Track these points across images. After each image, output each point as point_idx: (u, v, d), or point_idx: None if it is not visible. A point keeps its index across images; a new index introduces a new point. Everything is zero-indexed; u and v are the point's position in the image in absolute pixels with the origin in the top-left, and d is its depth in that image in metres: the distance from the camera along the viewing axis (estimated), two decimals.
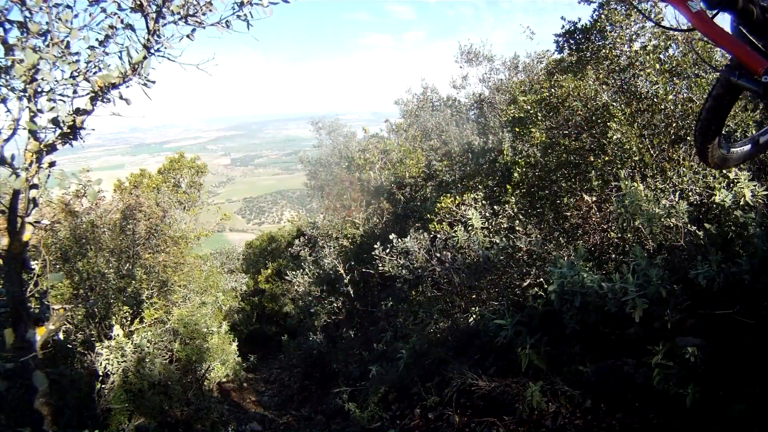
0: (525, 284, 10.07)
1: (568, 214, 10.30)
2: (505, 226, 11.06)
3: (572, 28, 11.31)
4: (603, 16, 10.29)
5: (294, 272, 23.58)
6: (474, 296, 10.93)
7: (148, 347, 13.18)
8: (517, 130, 11.78)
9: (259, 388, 21.02)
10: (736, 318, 6.31)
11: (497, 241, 10.49)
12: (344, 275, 20.52)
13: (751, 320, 6.16)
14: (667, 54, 9.72)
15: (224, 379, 19.19)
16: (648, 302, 6.29)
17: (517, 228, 10.67)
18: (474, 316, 10.20)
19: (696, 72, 9.29)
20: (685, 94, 9.08)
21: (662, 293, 6.32)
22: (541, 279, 9.56)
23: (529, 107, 10.87)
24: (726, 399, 5.75)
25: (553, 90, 10.37)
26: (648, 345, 6.41)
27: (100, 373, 12.28)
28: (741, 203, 7.33)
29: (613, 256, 9.19)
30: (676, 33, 9.82)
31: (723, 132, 7.73)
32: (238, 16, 5.93)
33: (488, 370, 8.77)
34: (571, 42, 11.50)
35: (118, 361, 12.57)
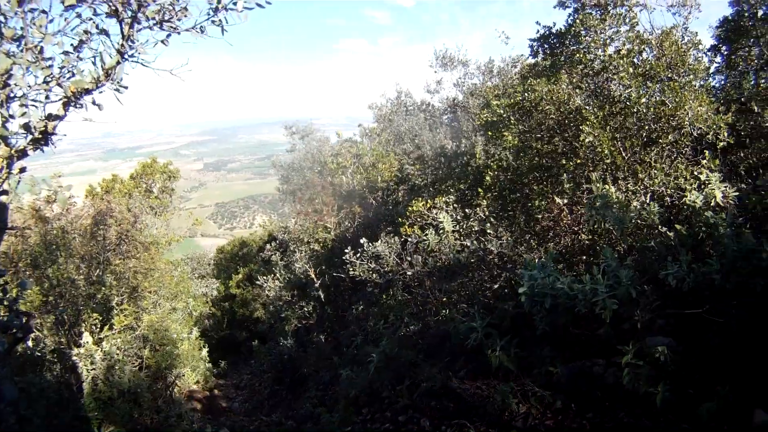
0: (496, 287, 10.09)
1: (540, 216, 10.37)
2: (476, 229, 10.99)
3: (547, 32, 11.37)
4: (578, 21, 10.34)
5: (265, 277, 23.46)
6: (445, 299, 10.91)
7: (117, 354, 13.03)
8: (489, 134, 11.77)
9: (230, 394, 20.81)
10: (706, 317, 6.38)
11: (468, 244, 10.50)
12: (315, 279, 20.44)
13: (720, 319, 6.23)
14: (640, 58, 9.76)
15: (195, 386, 19.05)
16: (618, 303, 6.25)
17: (488, 231, 10.64)
18: (444, 319, 10.16)
19: (669, 75, 9.34)
20: (657, 98, 9.10)
21: (632, 294, 6.30)
22: (512, 281, 9.54)
23: (502, 111, 10.85)
24: (696, 397, 5.82)
25: (526, 94, 10.34)
26: (618, 345, 6.45)
27: (73, 381, 12.15)
28: (712, 204, 7.37)
29: (584, 257, 9.24)
30: (650, 37, 9.90)
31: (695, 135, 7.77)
32: (213, 22, 5.84)
33: (459, 373, 8.87)
34: (546, 46, 11.56)
35: (87, 369, 12.40)
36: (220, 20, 5.83)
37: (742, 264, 6.13)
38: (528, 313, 7.39)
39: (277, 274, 23.19)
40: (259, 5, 5.88)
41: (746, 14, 10.98)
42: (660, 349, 6.19)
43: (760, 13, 10.69)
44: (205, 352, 20.61)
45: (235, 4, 5.75)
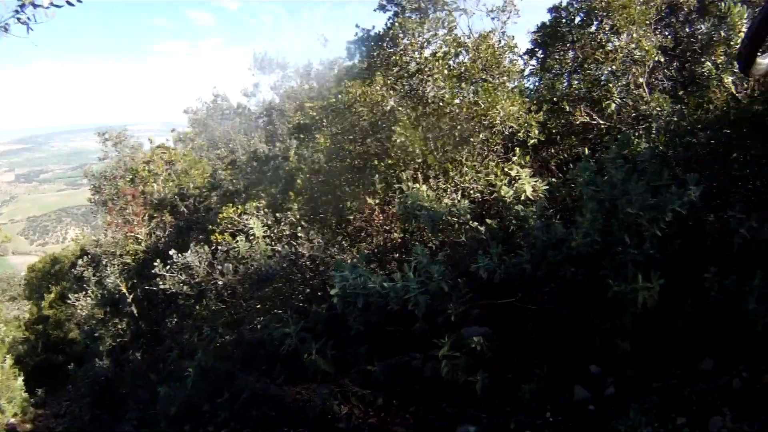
0: (309, 290, 10.06)
1: (351, 217, 10.44)
2: (288, 233, 10.90)
3: (365, 35, 11.33)
4: (397, 24, 10.37)
5: (77, 295, 22.26)
6: (259, 306, 10.72)
7: None
8: (302, 136, 11.63)
9: (51, 423, 19.71)
10: (520, 306, 6.63)
11: (279, 248, 10.40)
12: (127, 294, 19.55)
13: (533, 306, 6.50)
14: (457, 60, 9.92)
15: (13, 419, 17.83)
16: (431, 298, 6.28)
17: (300, 234, 10.54)
18: (259, 326, 9.93)
19: (484, 77, 9.50)
20: (471, 98, 9.22)
21: (444, 288, 6.33)
22: (326, 284, 9.43)
23: (315, 113, 10.72)
24: (516, 381, 6.09)
25: (340, 96, 10.32)
26: (434, 339, 6.55)
27: None
28: (522, 198, 7.62)
29: (397, 255, 9.37)
30: (468, 41, 10.08)
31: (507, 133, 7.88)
32: (18, 19, 5.23)
33: (277, 379, 8.80)
34: (363, 49, 11.52)
35: None
36: (26, 18, 5.25)
37: (551, 253, 6.32)
38: (341, 314, 7.36)
39: (90, 292, 22.06)
40: (69, 3, 5.35)
41: (564, 21, 11.33)
42: (476, 339, 6.33)
43: (578, 20, 11.06)
44: (20, 381, 19.35)
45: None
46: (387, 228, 9.97)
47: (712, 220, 6.10)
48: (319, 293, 9.68)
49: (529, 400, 5.79)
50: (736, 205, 5.96)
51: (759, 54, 4.19)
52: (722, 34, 7.83)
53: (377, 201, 9.94)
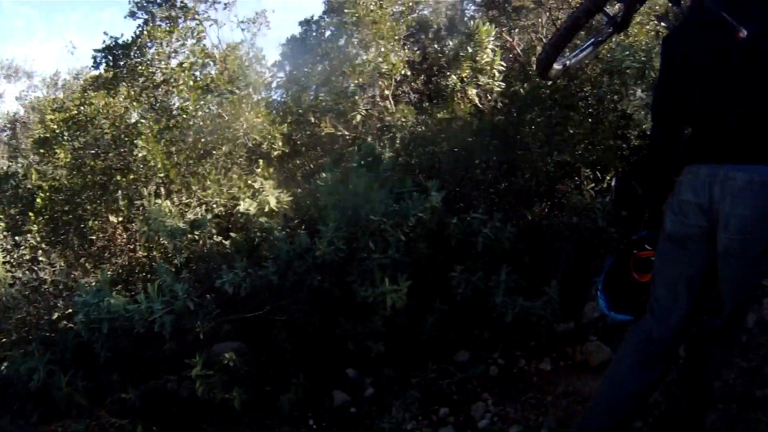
0: (54, 318, 9.45)
1: (94, 237, 9.90)
2: (28, 257, 10.24)
3: (113, 43, 10.95)
4: (145, 33, 10.02)
5: None
6: (4, 340, 9.99)
7: None
8: (42, 151, 11.05)
9: None
10: (270, 317, 6.69)
11: (20, 275, 9.68)
12: None
13: (283, 317, 6.59)
14: (203, 71, 9.74)
15: None
16: (177, 317, 6.24)
17: (41, 258, 9.95)
18: (5, 362, 9.32)
19: (230, 89, 9.44)
20: (215, 110, 9.20)
21: (190, 306, 6.29)
22: (71, 310, 9.00)
23: (55, 126, 10.20)
24: (274, 393, 6.15)
25: (82, 107, 9.82)
26: (186, 359, 6.43)
27: None
28: (266, 210, 7.65)
29: (143, 275, 9.03)
30: (216, 52, 10.08)
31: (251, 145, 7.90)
32: None
33: (32, 418, 8.03)
34: (110, 58, 11.12)
35: None
36: None
37: (297, 263, 6.44)
38: (88, 342, 7.04)
39: None
40: None
41: (314, 34, 11.43)
42: (227, 356, 6.31)
43: (328, 33, 11.20)
44: None
45: None
46: (131, 247, 9.63)
47: (456, 222, 6.34)
48: (65, 321, 9.20)
49: (289, 410, 5.86)
50: (479, 208, 6.30)
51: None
52: (469, 50, 8.10)
53: (120, 219, 9.62)
